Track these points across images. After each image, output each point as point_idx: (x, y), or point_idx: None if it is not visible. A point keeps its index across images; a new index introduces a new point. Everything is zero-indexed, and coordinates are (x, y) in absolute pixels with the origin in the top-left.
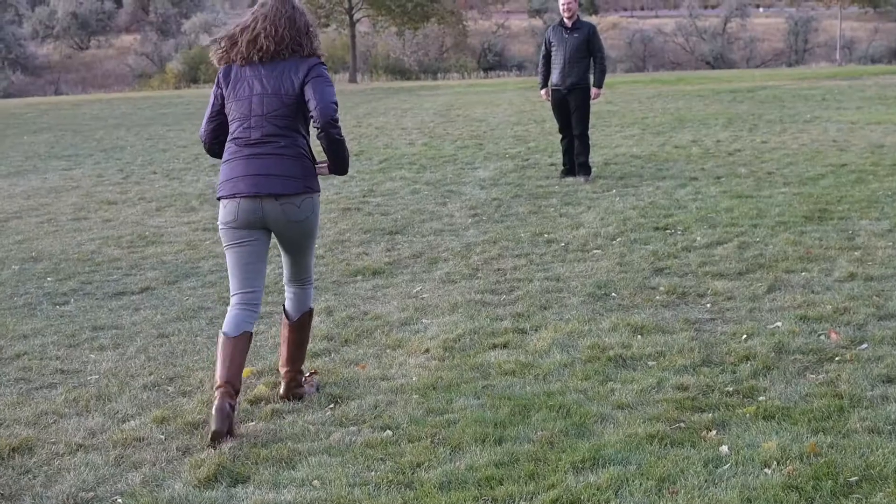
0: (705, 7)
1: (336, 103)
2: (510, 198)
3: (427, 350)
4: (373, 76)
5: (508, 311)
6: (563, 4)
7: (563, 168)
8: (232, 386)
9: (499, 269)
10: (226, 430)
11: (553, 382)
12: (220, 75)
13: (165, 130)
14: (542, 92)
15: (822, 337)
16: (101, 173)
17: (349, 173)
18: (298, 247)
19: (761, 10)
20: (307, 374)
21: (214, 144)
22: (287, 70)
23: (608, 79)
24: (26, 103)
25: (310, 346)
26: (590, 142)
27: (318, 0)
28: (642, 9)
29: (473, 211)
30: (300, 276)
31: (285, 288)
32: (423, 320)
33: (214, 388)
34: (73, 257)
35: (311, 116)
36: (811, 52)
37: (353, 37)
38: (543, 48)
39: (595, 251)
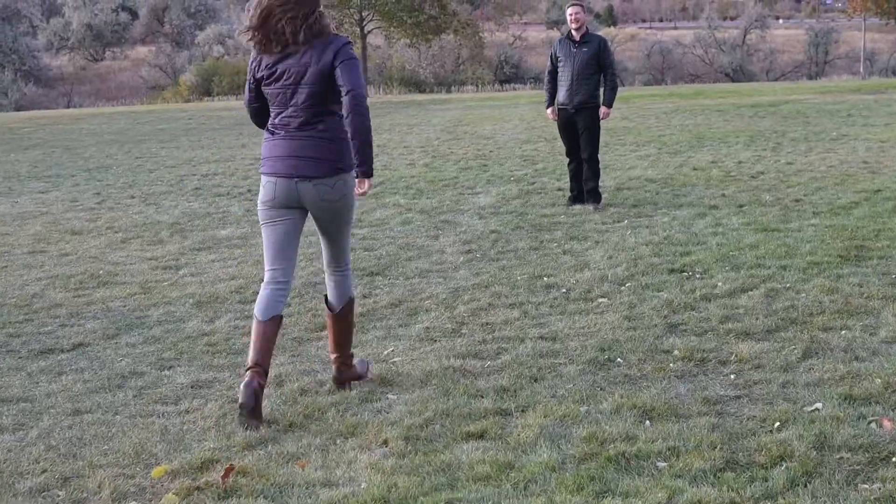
0: (724, 18)
1: (364, 85)
2: (510, 230)
3: (385, 442)
4: (387, 89)
5: (492, 383)
6: (571, 15)
7: (570, 194)
8: (261, 367)
9: (487, 324)
10: (252, 403)
11: (536, 495)
12: (252, 62)
13: (159, 147)
14: (549, 111)
15: (874, 426)
16: (76, 197)
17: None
18: (334, 227)
19: (781, 21)
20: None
21: (261, 122)
22: (314, 55)
23: (623, 92)
24: (28, 117)
25: (246, 434)
26: (600, 166)
27: (329, 12)
28: (661, 20)
29: (467, 246)
30: (337, 259)
31: (326, 275)
32: (389, 396)
33: (245, 369)
34: (10, 302)
35: (342, 101)
36: (832, 65)
37: (364, 49)
38: (549, 63)
39: (600, 300)
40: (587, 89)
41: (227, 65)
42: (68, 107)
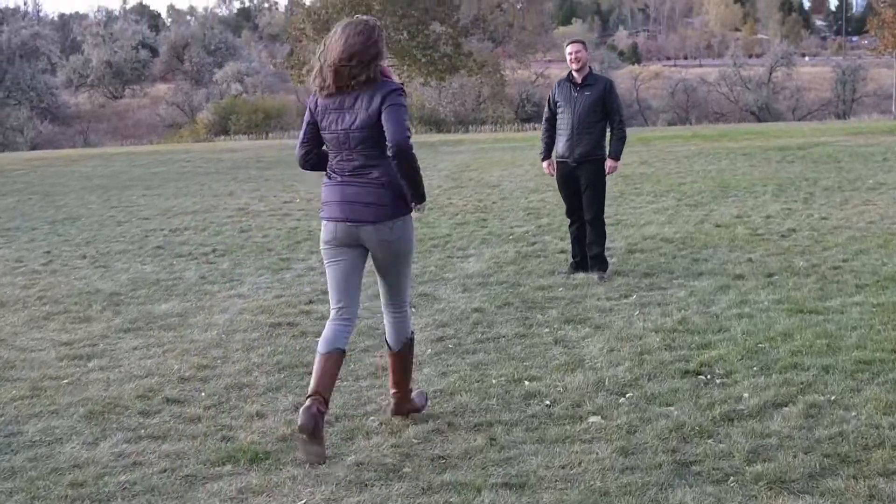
0: (750, 56)
1: (409, 130)
2: (496, 307)
3: None
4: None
5: None
6: (571, 54)
7: (572, 260)
8: (322, 395)
9: (439, 459)
10: (312, 425)
11: None
12: (310, 104)
13: (140, 195)
14: (545, 164)
15: None
16: (23, 256)
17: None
18: (393, 268)
19: (807, 59)
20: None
21: (306, 165)
22: (365, 100)
23: (645, 132)
24: (26, 158)
25: None
26: (606, 227)
27: None
28: (686, 58)
29: (441, 331)
30: (396, 300)
31: (384, 314)
32: None
33: (306, 396)
34: None
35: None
36: (860, 102)
37: None
38: (546, 109)
39: (592, 419)
40: (591, 139)
41: (245, 103)
42: (84, 145)
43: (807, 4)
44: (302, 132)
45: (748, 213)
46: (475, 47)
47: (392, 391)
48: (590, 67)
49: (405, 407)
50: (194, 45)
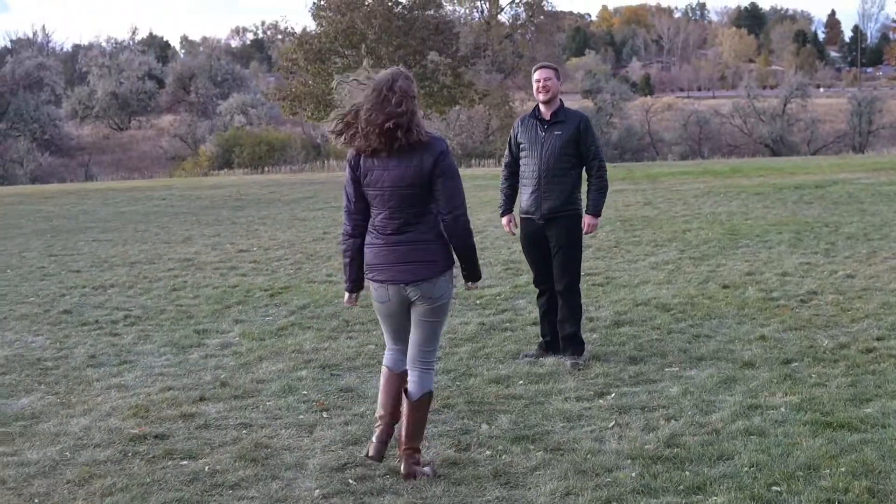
0: (764, 87)
1: (463, 201)
2: (431, 413)
3: None
4: None
5: None
6: (539, 81)
7: (541, 339)
8: (389, 416)
9: None
10: (380, 456)
11: None
12: (351, 160)
13: (91, 240)
14: (504, 221)
15: None
16: None
17: None
18: (430, 322)
19: (822, 90)
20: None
21: (351, 248)
22: (412, 162)
23: (653, 168)
24: (5, 193)
25: None
26: (581, 299)
27: (332, 81)
28: (699, 89)
29: (347, 454)
30: (425, 353)
31: (409, 368)
32: None
33: (376, 416)
34: None
35: (439, 213)
36: (876, 135)
37: None
38: (507, 153)
39: None
40: (562, 190)
41: (249, 135)
42: (85, 178)
43: (821, 35)
44: (346, 198)
45: (761, 268)
46: (483, 78)
47: (403, 447)
48: (561, 101)
49: (414, 468)
50: (201, 76)
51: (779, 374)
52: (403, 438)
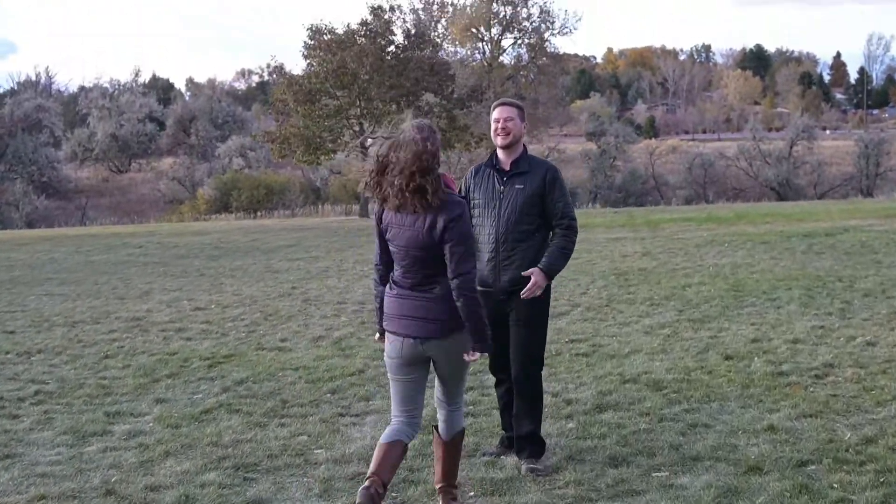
0: (770, 129)
1: (473, 267)
2: None
3: None
4: None
5: None
6: (498, 121)
7: (502, 433)
8: (380, 477)
9: None
10: None
11: None
12: (376, 213)
13: (43, 294)
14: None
15: None
16: None
17: None
18: (454, 376)
19: (828, 132)
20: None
21: (382, 294)
22: (426, 224)
23: (654, 215)
24: None
25: None
26: (542, 389)
27: (323, 123)
28: (704, 131)
29: None
30: (451, 399)
31: (437, 409)
32: None
33: (365, 478)
34: None
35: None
36: (884, 177)
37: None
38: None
39: None
40: (524, 257)
41: (248, 178)
42: (82, 221)
43: (827, 77)
44: (377, 247)
45: (768, 334)
46: (484, 121)
47: (439, 486)
48: (524, 147)
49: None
50: (201, 119)
51: (792, 484)
52: (439, 475)
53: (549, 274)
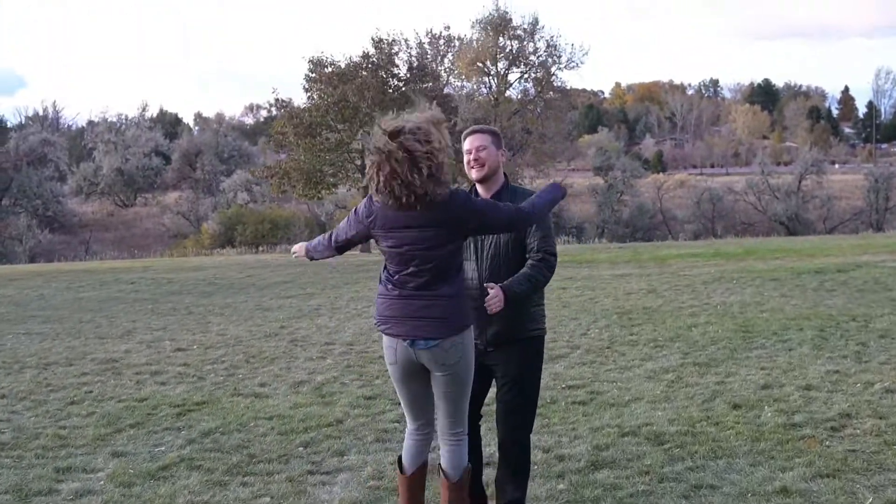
0: (778, 164)
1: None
2: None
3: None
4: None
5: None
6: (470, 152)
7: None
8: None
9: None
10: None
11: None
12: (364, 208)
13: (21, 333)
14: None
15: None
16: None
17: None
18: (449, 392)
19: (837, 166)
20: None
21: (317, 257)
22: (437, 217)
23: (661, 250)
24: None
25: None
26: (531, 453)
27: (324, 156)
28: (712, 166)
29: None
30: (455, 423)
31: (440, 442)
32: None
33: None
34: None
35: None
36: (894, 211)
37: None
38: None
39: None
40: (515, 304)
41: (252, 212)
42: (85, 255)
43: (835, 111)
44: (341, 234)
45: (779, 379)
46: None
47: None
48: (505, 177)
49: None
50: (207, 153)
51: None
52: None
53: (508, 295)
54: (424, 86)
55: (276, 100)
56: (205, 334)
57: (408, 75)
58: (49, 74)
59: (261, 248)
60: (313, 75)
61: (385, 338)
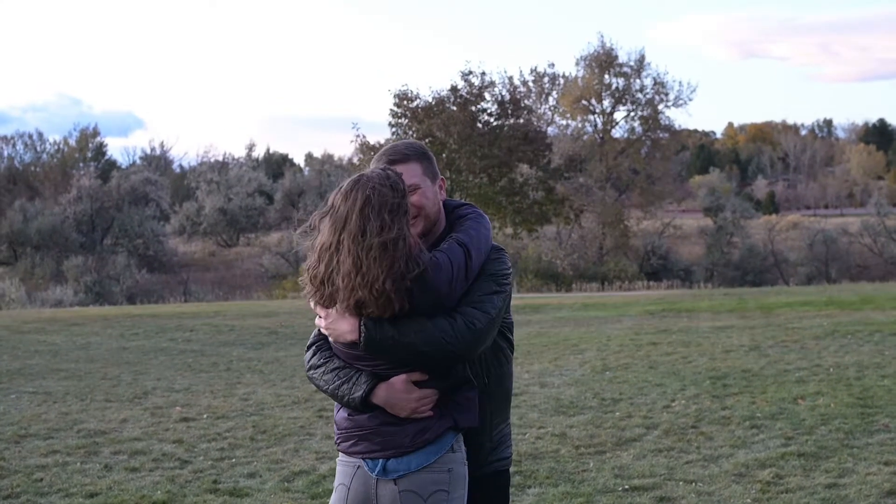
0: (894, 205)
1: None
2: None
3: None
4: (522, 281)
5: None
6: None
7: None
8: None
9: None
10: None
11: None
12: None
13: (34, 390)
14: None
15: None
16: None
17: None
18: None
19: None
20: None
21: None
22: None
23: (769, 298)
24: (38, 316)
25: None
26: None
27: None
28: (826, 206)
29: None
30: None
31: None
32: None
33: None
34: None
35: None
36: None
37: None
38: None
39: None
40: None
41: None
42: (184, 296)
43: None
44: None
45: None
46: (596, 196)
47: None
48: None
49: None
50: (309, 192)
51: None
52: None
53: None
54: (517, 121)
55: (361, 143)
56: (226, 398)
57: (498, 110)
58: (164, 116)
59: None
60: (398, 110)
61: (342, 458)
